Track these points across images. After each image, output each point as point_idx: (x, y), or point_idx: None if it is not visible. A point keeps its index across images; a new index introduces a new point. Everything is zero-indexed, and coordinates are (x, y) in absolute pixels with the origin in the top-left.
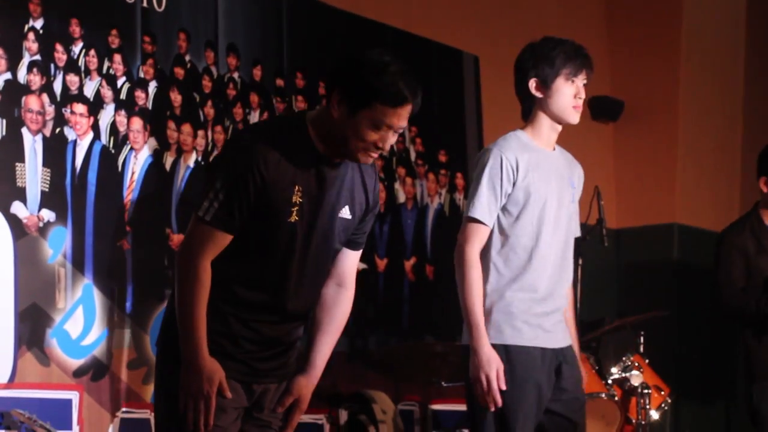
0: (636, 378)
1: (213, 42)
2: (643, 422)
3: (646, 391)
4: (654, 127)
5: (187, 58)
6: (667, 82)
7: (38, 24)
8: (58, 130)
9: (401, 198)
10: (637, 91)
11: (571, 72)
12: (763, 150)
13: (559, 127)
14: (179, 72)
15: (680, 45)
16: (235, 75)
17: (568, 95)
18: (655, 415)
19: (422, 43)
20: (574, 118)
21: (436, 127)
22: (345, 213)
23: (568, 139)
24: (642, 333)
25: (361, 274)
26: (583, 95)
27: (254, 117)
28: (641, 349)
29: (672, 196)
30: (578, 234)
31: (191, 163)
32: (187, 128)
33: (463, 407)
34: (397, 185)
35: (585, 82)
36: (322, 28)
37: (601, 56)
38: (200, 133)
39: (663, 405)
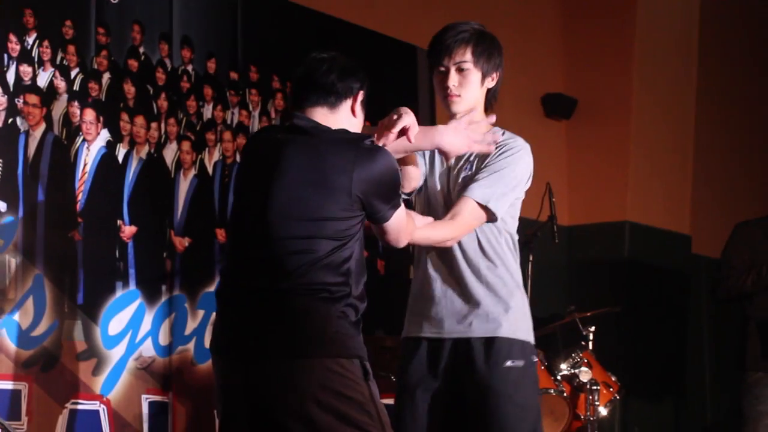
0: (585, 374)
1: (167, 34)
2: (591, 418)
3: (595, 387)
4: (607, 125)
5: (141, 50)
6: (621, 80)
7: None
8: (10, 120)
9: None
10: (590, 88)
11: (433, 61)
12: None
13: (475, 119)
14: (133, 64)
15: (634, 43)
16: (189, 67)
17: (439, 86)
18: (603, 411)
19: (376, 38)
20: (451, 108)
21: None
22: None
23: (521, 135)
24: (592, 330)
25: None
26: (450, 82)
27: (208, 110)
28: (591, 345)
29: (624, 194)
30: None
31: (144, 155)
32: (140, 120)
33: None
34: None
35: (459, 64)
36: (277, 22)
37: (556, 54)
38: (153, 125)
39: (612, 401)
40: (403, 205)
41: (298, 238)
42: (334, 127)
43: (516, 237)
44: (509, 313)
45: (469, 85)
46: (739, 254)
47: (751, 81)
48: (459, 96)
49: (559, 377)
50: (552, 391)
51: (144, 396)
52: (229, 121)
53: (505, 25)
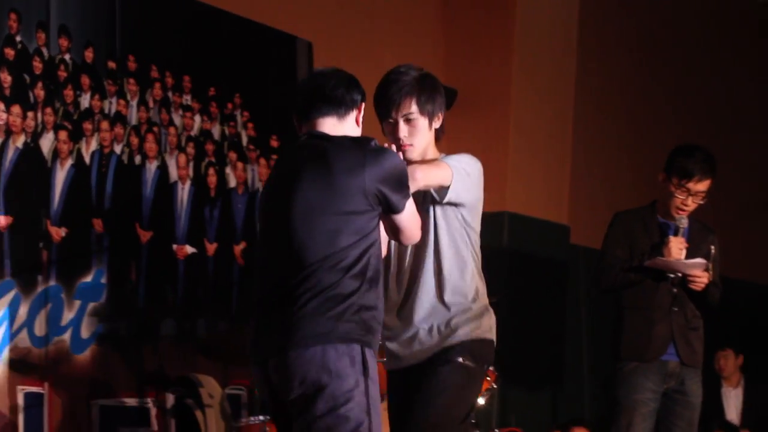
0: None
1: (44, 23)
2: None
3: None
4: (487, 116)
5: (18, 38)
6: (501, 71)
7: None
8: None
9: (232, 183)
10: (470, 79)
11: (381, 113)
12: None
13: (428, 157)
14: (9, 52)
15: (514, 34)
16: (67, 56)
17: (391, 136)
18: (481, 400)
19: (256, 29)
20: (405, 156)
21: (269, 113)
22: None
23: None
24: None
25: (189, 258)
26: (401, 133)
27: (85, 99)
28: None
29: (504, 184)
30: None
31: (20, 144)
32: (16, 109)
33: None
34: (228, 170)
35: (406, 115)
36: (156, 12)
37: (436, 45)
38: (30, 114)
39: (489, 390)
40: (412, 198)
41: (318, 235)
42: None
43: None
44: None
45: (418, 133)
46: (619, 244)
47: (630, 73)
48: (411, 145)
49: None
50: None
51: (19, 387)
52: (106, 111)
53: (384, 16)
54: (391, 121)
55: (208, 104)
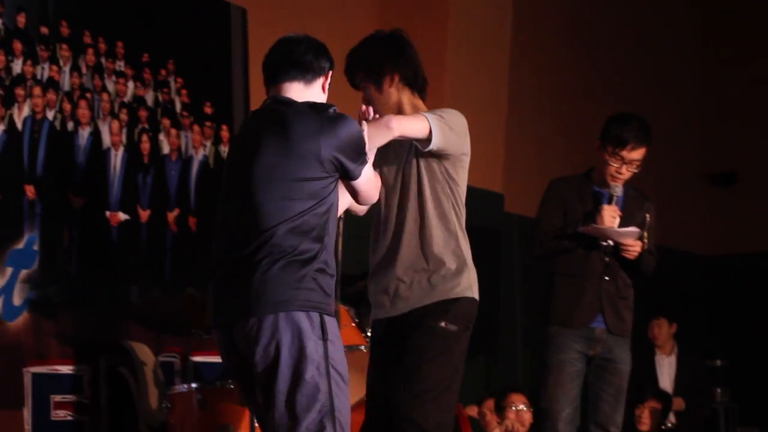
0: None
1: None
2: None
3: None
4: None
5: None
6: (435, 40)
7: None
8: None
9: (165, 149)
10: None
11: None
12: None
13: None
14: None
15: (448, 5)
16: None
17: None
18: None
19: None
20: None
21: (202, 79)
22: None
23: (335, 103)
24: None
25: (122, 225)
26: (363, 105)
27: (17, 65)
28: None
29: None
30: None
31: None
32: None
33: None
34: (162, 136)
35: (362, 88)
36: None
37: (369, 15)
38: None
39: None
40: (369, 163)
41: (275, 200)
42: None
43: None
44: None
45: (375, 100)
46: (553, 211)
47: (564, 43)
48: (377, 112)
49: (369, 333)
50: (363, 347)
51: None
52: (39, 77)
53: None
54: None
55: (142, 70)
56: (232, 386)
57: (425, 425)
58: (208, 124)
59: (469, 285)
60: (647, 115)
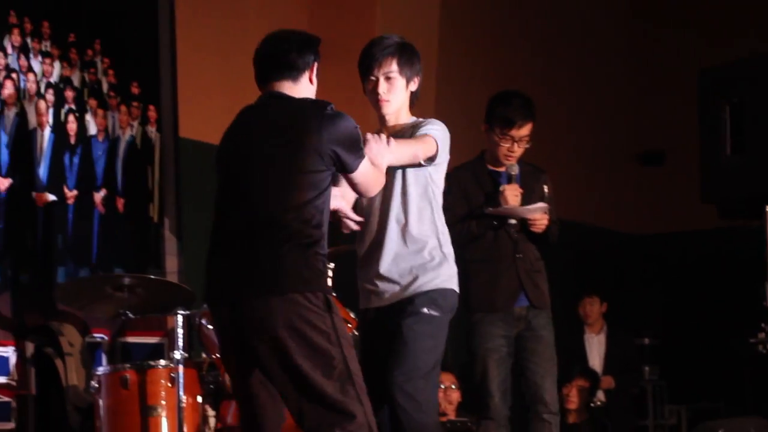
0: None
1: None
2: None
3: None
4: (351, 64)
5: None
6: (364, 18)
7: None
8: None
9: (92, 130)
10: (335, 30)
11: (364, 72)
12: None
13: (401, 118)
14: None
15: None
16: None
17: (370, 93)
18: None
19: None
20: (381, 110)
21: (130, 59)
22: None
23: None
24: (331, 267)
25: (49, 206)
26: (380, 89)
27: None
28: (330, 282)
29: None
30: None
31: None
32: None
33: (151, 339)
34: (89, 117)
35: (386, 73)
36: None
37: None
38: None
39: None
40: (367, 157)
41: (281, 189)
42: (297, 96)
43: None
44: None
45: (396, 91)
46: (457, 201)
47: (493, 21)
48: (388, 101)
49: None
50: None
51: None
52: None
53: None
54: (372, 78)
55: (68, 50)
56: (160, 367)
57: (417, 397)
58: (135, 104)
59: (449, 277)
60: (583, 95)
